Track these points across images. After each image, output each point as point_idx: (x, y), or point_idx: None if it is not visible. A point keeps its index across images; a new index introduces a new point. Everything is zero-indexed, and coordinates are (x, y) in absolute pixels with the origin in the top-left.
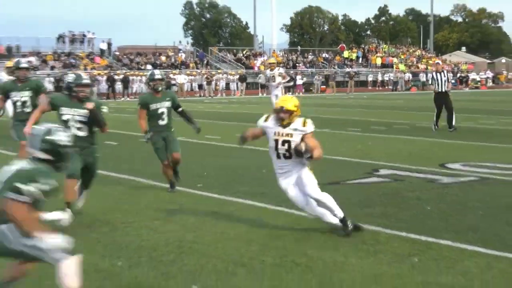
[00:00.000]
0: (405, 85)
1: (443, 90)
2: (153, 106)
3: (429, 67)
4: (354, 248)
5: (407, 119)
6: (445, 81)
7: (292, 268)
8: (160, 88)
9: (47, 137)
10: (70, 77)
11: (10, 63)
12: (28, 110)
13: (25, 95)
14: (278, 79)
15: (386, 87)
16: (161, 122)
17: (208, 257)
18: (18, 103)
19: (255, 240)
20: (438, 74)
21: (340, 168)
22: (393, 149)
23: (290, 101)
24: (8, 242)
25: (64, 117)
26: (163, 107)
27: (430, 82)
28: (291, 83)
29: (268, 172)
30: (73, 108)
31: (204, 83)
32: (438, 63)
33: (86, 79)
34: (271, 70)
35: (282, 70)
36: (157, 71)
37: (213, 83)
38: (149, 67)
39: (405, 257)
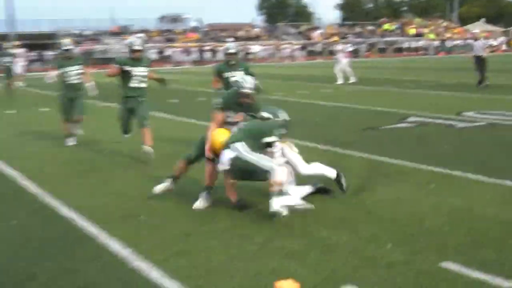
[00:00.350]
0: (434, 50)
1: (480, 54)
2: (226, 74)
3: (454, 36)
4: (381, 178)
5: (433, 77)
6: (481, 47)
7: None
8: (232, 62)
9: (279, 113)
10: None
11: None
12: (143, 85)
13: (143, 71)
14: (340, 55)
15: (418, 52)
16: None
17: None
18: (137, 78)
19: None
20: (476, 41)
21: (377, 117)
22: (420, 101)
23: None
24: (238, 153)
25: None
26: (236, 75)
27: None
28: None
29: (316, 120)
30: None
31: (274, 51)
32: (474, 32)
33: (248, 87)
34: (335, 45)
35: (340, 46)
36: (231, 45)
37: (281, 51)
38: (230, 39)
39: (423, 184)
